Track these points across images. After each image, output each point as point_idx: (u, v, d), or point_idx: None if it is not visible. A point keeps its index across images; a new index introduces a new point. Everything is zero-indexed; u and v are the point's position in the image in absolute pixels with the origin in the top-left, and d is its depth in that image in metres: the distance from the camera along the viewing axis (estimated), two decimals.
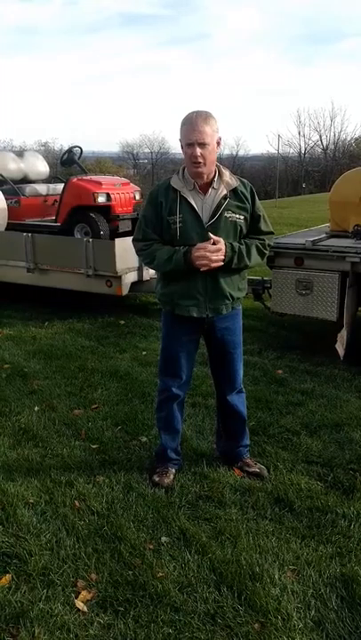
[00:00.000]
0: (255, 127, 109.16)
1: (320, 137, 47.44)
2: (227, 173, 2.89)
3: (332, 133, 47.02)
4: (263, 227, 3.00)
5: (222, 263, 2.82)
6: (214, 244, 2.79)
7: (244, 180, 2.98)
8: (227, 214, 2.84)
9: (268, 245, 3.05)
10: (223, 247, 2.80)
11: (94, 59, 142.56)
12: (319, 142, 47.58)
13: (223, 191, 2.84)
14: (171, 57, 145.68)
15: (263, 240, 2.99)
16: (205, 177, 2.83)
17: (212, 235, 2.79)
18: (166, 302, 3.02)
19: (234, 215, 2.86)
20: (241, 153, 51.50)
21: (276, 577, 2.40)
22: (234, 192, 2.87)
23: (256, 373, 4.66)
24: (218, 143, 2.81)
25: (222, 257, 2.80)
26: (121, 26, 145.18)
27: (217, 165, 2.86)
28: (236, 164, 45.87)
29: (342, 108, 62.07)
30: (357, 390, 4.32)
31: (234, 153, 50.12)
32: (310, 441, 3.54)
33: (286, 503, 2.91)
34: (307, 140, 48.31)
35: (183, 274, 2.86)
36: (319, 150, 47.88)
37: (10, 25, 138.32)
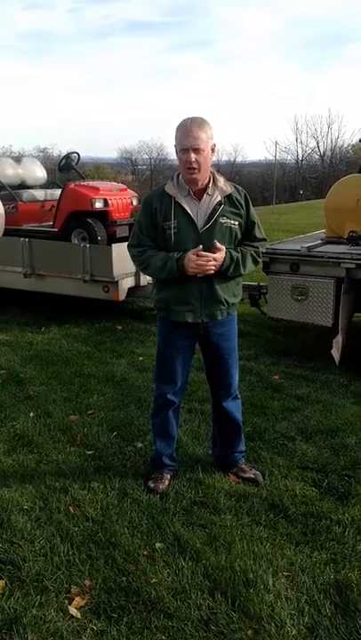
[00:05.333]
0: (253, 134, 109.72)
1: (317, 144, 47.58)
2: (221, 180, 2.91)
3: (329, 140, 47.18)
4: (257, 233, 3.02)
5: (213, 271, 2.82)
6: (214, 250, 2.80)
7: (238, 186, 2.99)
8: (222, 220, 2.85)
9: (262, 252, 3.07)
10: (222, 256, 2.81)
11: (94, 65, 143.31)
12: (316, 149, 47.77)
13: (218, 197, 2.85)
14: (169, 64, 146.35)
15: (257, 248, 3.01)
16: (200, 183, 2.84)
17: (217, 242, 2.80)
18: (162, 308, 3.03)
19: (229, 221, 2.87)
20: (239, 159, 51.66)
21: (270, 583, 2.39)
22: (228, 198, 2.88)
23: (252, 379, 4.66)
24: (213, 149, 2.82)
25: (214, 267, 2.80)
26: (122, 33, 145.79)
27: (212, 172, 2.88)
28: (233, 170, 45.95)
29: (339, 115, 62.16)
30: (353, 396, 4.32)
31: (232, 159, 50.29)
32: (306, 447, 3.54)
33: (281, 509, 2.91)
34: (304, 147, 48.37)
35: (178, 280, 2.87)
36: (316, 157, 48.02)
37: (12, 31, 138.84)
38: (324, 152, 47.30)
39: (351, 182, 5.45)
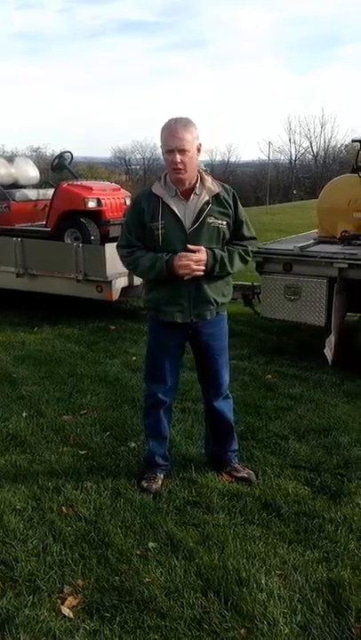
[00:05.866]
0: (247, 134, 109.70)
1: (310, 144, 47.68)
2: (209, 179, 2.90)
3: (322, 140, 47.30)
4: (246, 232, 3.01)
5: (203, 273, 2.84)
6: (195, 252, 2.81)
7: (226, 185, 2.99)
8: (209, 220, 2.85)
9: (252, 251, 3.06)
10: (205, 256, 2.82)
11: (87, 65, 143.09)
12: (310, 149, 47.87)
13: (205, 197, 2.85)
14: (163, 64, 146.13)
15: (246, 246, 3.01)
16: (187, 183, 2.84)
17: (190, 246, 2.81)
18: (151, 308, 3.03)
19: (216, 221, 2.87)
20: (233, 159, 51.70)
21: (263, 582, 2.40)
22: (216, 198, 2.88)
23: (246, 378, 4.67)
24: (198, 150, 2.82)
25: (203, 267, 2.82)
26: (115, 32, 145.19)
27: (199, 171, 2.87)
28: (227, 170, 45.99)
29: (332, 115, 62.22)
30: (345, 395, 4.34)
31: (226, 159, 50.32)
32: (298, 445, 3.55)
33: (274, 508, 2.91)
34: (297, 147, 48.48)
35: (167, 280, 2.87)
36: (310, 157, 48.12)
37: (5, 31, 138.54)
38: (317, 152, 47.46)
39: (343, 182, 5.48)
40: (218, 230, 2.89)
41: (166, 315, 2.95)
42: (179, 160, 2.74)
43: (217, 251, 2.88)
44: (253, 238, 3.08)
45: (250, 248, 3.04)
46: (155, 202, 2.85)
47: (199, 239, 2.83)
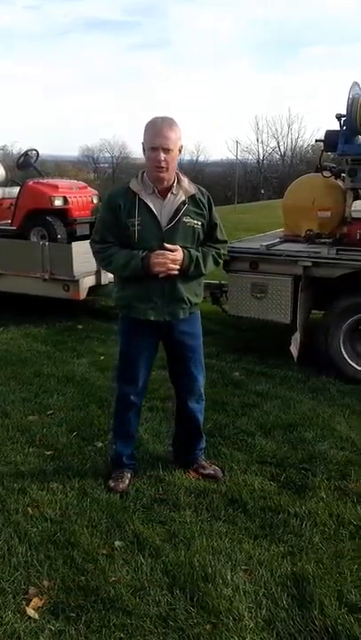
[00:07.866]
0: (215, 133, 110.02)
1: (278, 143, 48.20)
2: (185, 180, 2.92)
3: (289, 140, 47.85)
4: (219, 235, 3.04)
5: (177, 272, 2.84)
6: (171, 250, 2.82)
7: (202, 188, 3.01)
8: (185, 219, 2.86)
9: (223, 254, 3.10)
10: (181, 255, 2.83)
11: (54, 62, 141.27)
12: (277, 149, 48.36)
13: (182, 197, 2.86)
14: (132, 63, 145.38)
15: (218, 249, 3.04)
16: (166, 182, 2.84)
17: (167, 245, 2.81)
18: (124, 306, 3.01)
19: (192, 221, 2.88)
20: (201, 159, 51.87)
21: (229, 577, 2.42)
22: (192, 199, 2.90)
23: (214, 376, 4.69)
24: (180, 150, 2.84)
25: (179, 266, 2.83)
26: (83, 31, 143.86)
27: (177, 172, 2.88)
28: (196, 169, 46.08)
29: (299, 116, 63.02)
30: (310, 391, 4.41)
31: (194, 158, 50.43)
32: (265, 441, 3.59)
33: (240, 504, 2.94)
34: (265, 147, 48.95)
35: (140, 277, 2.86)
36: (277, 157, 48.63)
37: None
38: (284, 152, 47.98)
39: (307, 182, 5.54)
40: (193, 230, 2.90)
41: (139, 312, 2.93)
42: (162, 158, 2.74)
43: (192, 251, 2.90)
44: (225, 242, 3.12)
45: (222, 251, 3.07)
46: (131, 198, 2.84)
47: (175, 238, 2.84)
